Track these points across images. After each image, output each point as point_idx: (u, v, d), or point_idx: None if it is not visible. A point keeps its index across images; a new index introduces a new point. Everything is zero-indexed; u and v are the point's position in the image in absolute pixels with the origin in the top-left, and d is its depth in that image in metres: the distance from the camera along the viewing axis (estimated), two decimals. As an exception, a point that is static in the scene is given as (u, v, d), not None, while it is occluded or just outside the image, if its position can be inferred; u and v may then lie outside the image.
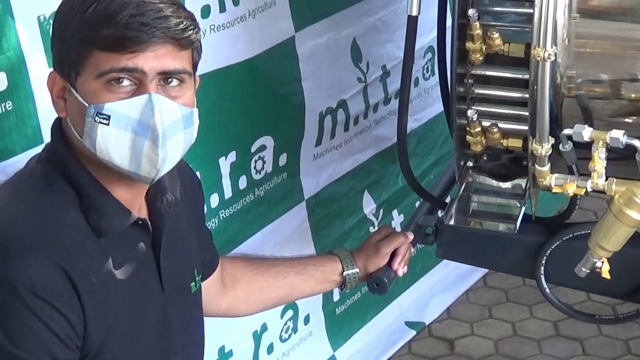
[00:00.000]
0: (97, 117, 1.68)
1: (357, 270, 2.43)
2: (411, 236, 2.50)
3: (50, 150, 1.80)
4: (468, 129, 2.36)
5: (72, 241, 1.72)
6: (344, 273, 2.42)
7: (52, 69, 1.78)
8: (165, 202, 1.88)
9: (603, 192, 2.19)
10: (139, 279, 1.82)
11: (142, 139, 1.69)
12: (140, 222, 1.82)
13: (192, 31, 1.72)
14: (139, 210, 1.84)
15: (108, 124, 1.68)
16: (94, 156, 1.72)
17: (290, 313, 3.25)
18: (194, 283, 1.99)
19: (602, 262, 2.22)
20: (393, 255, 2.45)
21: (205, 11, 2.61)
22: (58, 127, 1.80)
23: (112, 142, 1.69)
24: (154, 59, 1.68)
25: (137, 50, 1.66)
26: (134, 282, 1.80)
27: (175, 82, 1.72)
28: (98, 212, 1.75)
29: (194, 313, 2.02)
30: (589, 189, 2.21)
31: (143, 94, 1.68)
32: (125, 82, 1.68)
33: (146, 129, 1.68)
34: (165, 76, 1.71)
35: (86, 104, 1.69)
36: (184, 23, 1.70)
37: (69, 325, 1.69)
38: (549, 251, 2.47)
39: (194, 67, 1.78)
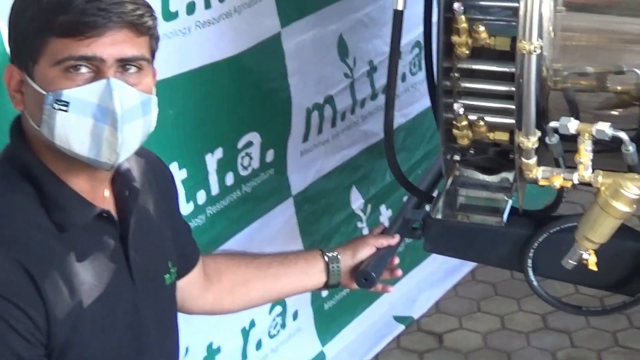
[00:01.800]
0: (55, 104, 1.68)
1: (336, 253, 2.42)
2: (396, 240, 2.51)
3: (10, 148, 1.80)
4: (454, 122, 2.36)
5: (33, 239, 1.71)
6: (325, 256, 2.41)
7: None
8: (132, 194, 1.87)
9: (589, 184, 2.19)
10: (107, 272, 1.81)
11: (102, 124, 1.69)
12: (105, 214, 1.81)
13: (148, 18, 1.72)
14: (102, 201, 1.83)
15: (67, 111, 1.68)
16: (53, 145, 1.71)
17: (278, 309, 3.25)
18: (168, 275, 1.97)
19: (589, 254, 2.23)
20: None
21: (191, 8, 2.60)
22: (17, 125, 1.80)
23: (72, 128, 1.69)
24: (112, 45, 1.68)
25: (94, 35, 1.66)
26: (101, 275, 1.79)
27: (133, 70, 1.72)
28: (58, 207, 1.75)
29: (168, 305, 2.01)
30: (576, 182, 2.21)
31: (101, 79, 1.68)
32: (83, 70, 1.68)
33: (106, 113, 1.68)
34: (124, 63, 1.71)
35: (44, 92, 1.69)
36: (140, 9, 1.71)
37: (30, 322, 1.68)
38: (536, 244, 2.47)
39: (152, 55, 1.78)
